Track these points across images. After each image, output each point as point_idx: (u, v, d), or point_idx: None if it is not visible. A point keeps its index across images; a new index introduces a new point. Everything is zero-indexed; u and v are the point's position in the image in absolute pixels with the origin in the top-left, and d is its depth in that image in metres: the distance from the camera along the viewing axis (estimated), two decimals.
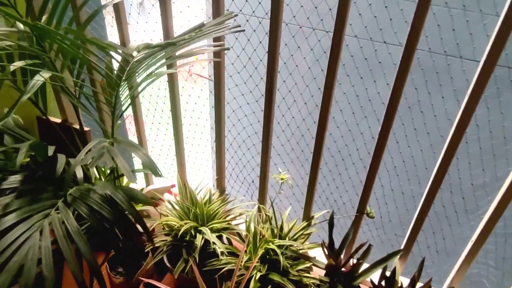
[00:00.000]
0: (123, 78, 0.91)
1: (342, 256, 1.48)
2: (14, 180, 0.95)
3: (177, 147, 1.71)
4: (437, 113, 1.57)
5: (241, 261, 1.36)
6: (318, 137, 1.35)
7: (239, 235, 1.58)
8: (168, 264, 1.56)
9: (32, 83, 0.95)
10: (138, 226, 1.00)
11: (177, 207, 1.61)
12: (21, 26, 1.18)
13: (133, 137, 1.77)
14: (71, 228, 0.84)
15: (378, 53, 1.75)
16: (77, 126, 1.74)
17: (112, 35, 2.24)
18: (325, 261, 1.48)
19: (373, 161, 1.32)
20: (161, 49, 0.75)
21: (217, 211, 1.61)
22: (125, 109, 1.03)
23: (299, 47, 1.54)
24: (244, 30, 0.78)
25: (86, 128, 1.79)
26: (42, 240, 0.80)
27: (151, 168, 0.93)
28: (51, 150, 0.97)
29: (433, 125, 1.55)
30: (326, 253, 1.39)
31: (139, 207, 1.63)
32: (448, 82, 1.69)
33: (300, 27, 1.50)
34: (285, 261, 1.44)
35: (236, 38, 1.82)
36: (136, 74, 0.89)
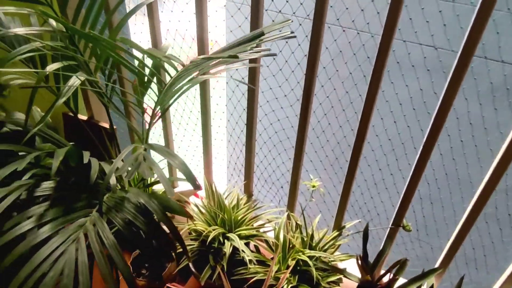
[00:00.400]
0: (168, 84, 0.86)
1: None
2: (47, 186, 0.91)
3: (205, 147, 1.66)
4: (487, 125, 1.48)
5: (272, 272, 1.31)
6: (356, 145, 1.28)
7: (267, 242, 1.53)
8: (193, 270, 1.53)
9: (68, 84, 0.91)
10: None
11: (204, 211, 1.57)
12: (54, 25, 1.14)
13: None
14: (108, 242, 0.80)
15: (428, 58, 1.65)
16: (105, 125, 1.71)
17: (135, 34, 2.20)
18: (357, 274, 1.42)
19: (414, 173, 1.25)
20: (214, 58, 0.70)
21: (245, 217, 1.56)
22: (162, 114, 0.99)
23: (341, 51, 1.47)
24: (295, 36, 0.72)
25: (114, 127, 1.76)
26: (79, 254, 0.77)
27: (190, 180, 0.88)
28: (86, 156, 0.93)
29: (483, 137, 1.46)
30: (361, 267, 1.33)
31: None
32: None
33: (343, 30, 1.43)
34: (316, 272, 1.39)
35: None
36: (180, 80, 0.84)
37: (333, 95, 1.39)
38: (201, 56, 0.68)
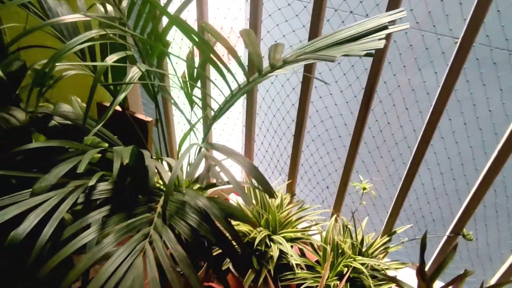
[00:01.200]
0: (247, 84, 0.78)
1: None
2: (104, 189, 0.84)
3: (247, 143, 1.58)
4: (493, 108, 1.35)
5: (324, 280, 1.23)
6: (420, 146, 1.19)
7: (312, 245, 1.46)
8: (235, 272, 1.46)
9: (129, 76, 0.83)
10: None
11: (246, 211, 1.49)
12: (102, 9, 1.06)
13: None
14: (178, 255, 0.73)
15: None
16: (140, 116, 1.63)
17: None
18: (411, 283, 1.34)
19: (482, 182, 1.16)
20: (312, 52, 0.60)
21: (289, 218, 1.48)
22: (225, 111, 0.90)
23: (411, 44, 1.37)
24: (408, 27, 0.62)
25: (148, 119, 1.69)
26: (148, 270, 0.69)
27: (262, 184, 0.80)
28: (147, 157, 0.85)
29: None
30: (420, 277, 1.24)
31: None
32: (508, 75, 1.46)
33: (420, 35, 1.32)
34: (368, 280, 1.32)
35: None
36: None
37: (397, 92, 1.29)
38: (294, 53, 0.58)
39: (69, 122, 0.99)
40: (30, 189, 0.80)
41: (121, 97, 0.80)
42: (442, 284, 1.20)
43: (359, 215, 1.47)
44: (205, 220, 0.86)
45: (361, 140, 1.28)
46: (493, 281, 1.34)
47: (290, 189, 1.57)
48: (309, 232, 1.46)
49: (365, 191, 1.40)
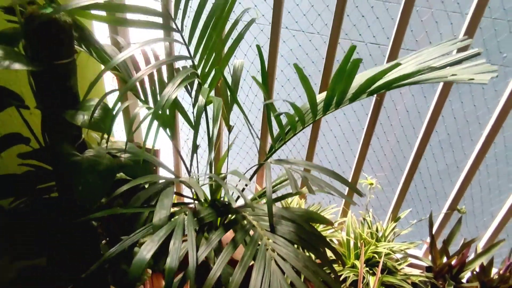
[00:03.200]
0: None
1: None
2: (208, 213, 0.91)
3: (310, 151, 1.69)
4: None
5: (363, 269, 1.40)
6: (421, 144, 1.43)
7: (331, 241, 1.62)
8: None
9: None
10: None
11: None
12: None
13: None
14: (301, 256, 0.83)
15: None
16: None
17: None
18: (424, 258, 1.58)
19: (473, 164, 1.43)
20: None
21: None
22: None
23: (407, 49, 1.60)
24: (479, 54, 0.78)
25: (156, 148, 1.72)
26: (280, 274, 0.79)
27: (352, 189, 0.95)
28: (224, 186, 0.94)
29: None
30: (436, 250, 1.48)
31: None
32: None
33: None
34: (390, 262, 1.52)
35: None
36: None
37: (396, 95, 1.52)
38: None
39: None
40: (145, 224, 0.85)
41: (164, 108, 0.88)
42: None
43: (361, 208, 1.68)
44: (296, 225, 0.98)
45: (370, 142, 1.49)
46: (481, 244, 1.63)
47: (302, 196, 1.72)
48: (330, 230, 1.63)
49: (372, 186, 1.61)
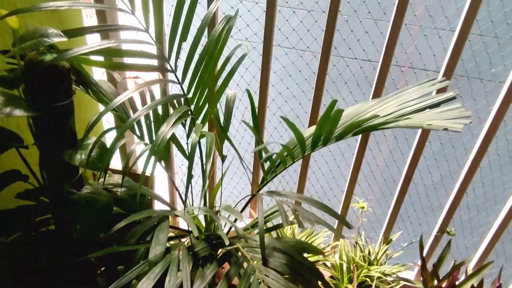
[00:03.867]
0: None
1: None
2: (203, 246, 0.94)
3: (301, 180, 1.73)
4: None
5: None
6: (409, 170, 1.47)
7: (324, 264, 1.65)
8: None
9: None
10: None
11: None
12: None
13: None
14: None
15: None
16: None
17: None
18: (416, 281, 1.61)
19: (460, 186, 1.47)
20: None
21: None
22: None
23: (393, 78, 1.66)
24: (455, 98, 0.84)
25: (148, 174, 1.75)
26: None
27: (340, 219, 0.98)
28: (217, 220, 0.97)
29: None
30: (427, 273, 1.51)
31: None
32: None
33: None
34: (382, 286, 1.54)
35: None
36: None
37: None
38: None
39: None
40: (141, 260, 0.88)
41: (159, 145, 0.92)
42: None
43: (353, 230, 1.71)
44: (288, 257, 1.01)
45: (360, 168, 1.53)
46: (472, 265, 1.66)
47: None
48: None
49: (363, 210, 1.65)
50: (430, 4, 2.07)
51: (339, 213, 1.69)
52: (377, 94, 1.30)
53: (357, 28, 2.14)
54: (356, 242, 1.62)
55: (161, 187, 1.78)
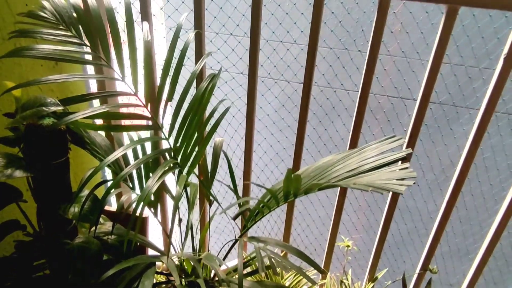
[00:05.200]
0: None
1: None
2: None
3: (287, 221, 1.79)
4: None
5: None
6: (390, 209, 1.55)
7: None
8: None
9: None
10: None
11: None
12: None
13: None
14: None
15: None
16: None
17: None
18: None
19: (439, 223, 1.54)
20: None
21: (291, 285, 1.71)
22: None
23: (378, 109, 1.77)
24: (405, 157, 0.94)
25: (145, 216, 1.82)
26: None
27: (313, 265, 1.05)
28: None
29: None
30: None
31: None
32: None
33: None
34: None
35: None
36: None
37: None
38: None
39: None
40: None
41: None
42: None
43: (338, 268, 1.77)
44: None
45: (343, 208, 1.60)
46: None
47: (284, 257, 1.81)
48: None
49: (348, 248, 1.71)
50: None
51: (325, 252, 1.75)
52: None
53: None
54: (342, 281, 1.68)
55: (157, 230, 1.86)
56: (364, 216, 1.78)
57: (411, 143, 1.38)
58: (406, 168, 0.81)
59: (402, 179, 0.75)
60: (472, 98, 2.33)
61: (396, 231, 1.83)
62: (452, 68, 2.31)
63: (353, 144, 1.42)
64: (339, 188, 1.54)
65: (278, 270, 1.73)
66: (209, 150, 1.32)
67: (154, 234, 2.13)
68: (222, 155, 1.33)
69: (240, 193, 1.71)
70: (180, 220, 1.37)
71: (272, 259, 1.01)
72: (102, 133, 1.41)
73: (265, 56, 2.57)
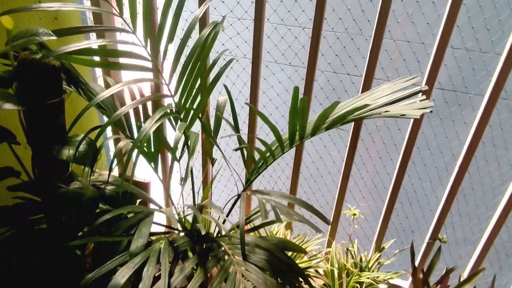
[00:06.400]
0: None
1: None
2: (184, 241, 0.96)
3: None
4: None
5: None
6: (399, 172, 1.48)
7: (316, 271, 1.64)
8: None
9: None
10: None
11: None
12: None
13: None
14: (270, 282, 0.88)
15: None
16: (138, 179, 1.72)
17: None
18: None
19: (449, 193, 1.48)
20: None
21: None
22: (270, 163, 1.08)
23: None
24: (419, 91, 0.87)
25: (147, 180, 1.78)
26: None
27: (319, 216, 1.00)
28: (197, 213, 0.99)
29: None
30: (418, 280, 1.50)
31: None
32: None
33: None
34: None
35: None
36: None
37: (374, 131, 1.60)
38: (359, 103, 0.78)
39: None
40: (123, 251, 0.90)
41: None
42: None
43: (345, 238, 1.71)
44: (270, 254, 1.02)
45: (350, 174, 1.54)
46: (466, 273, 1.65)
47: (289, 225, 1.76)
48: (315, 261, 1.65)
49: (355, 216, 1.65)
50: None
51: (331, 219, 1.70)
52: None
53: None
54: (348, 249, 1.62)
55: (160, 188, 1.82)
56: (372, 183, 1.72)
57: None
58: (423, 99, 0.75)
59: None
60: (481, 84, 2.24)
61: (405, 198, 1.78)
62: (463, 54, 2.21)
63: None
64: (348, 144, 1.47)
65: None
66: (212, 113, 1.27)
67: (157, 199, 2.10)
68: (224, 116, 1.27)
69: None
70: (181, 179, 1.32)
71: (276, 208, 0.96)
72: (102, 84, 1.36)
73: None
